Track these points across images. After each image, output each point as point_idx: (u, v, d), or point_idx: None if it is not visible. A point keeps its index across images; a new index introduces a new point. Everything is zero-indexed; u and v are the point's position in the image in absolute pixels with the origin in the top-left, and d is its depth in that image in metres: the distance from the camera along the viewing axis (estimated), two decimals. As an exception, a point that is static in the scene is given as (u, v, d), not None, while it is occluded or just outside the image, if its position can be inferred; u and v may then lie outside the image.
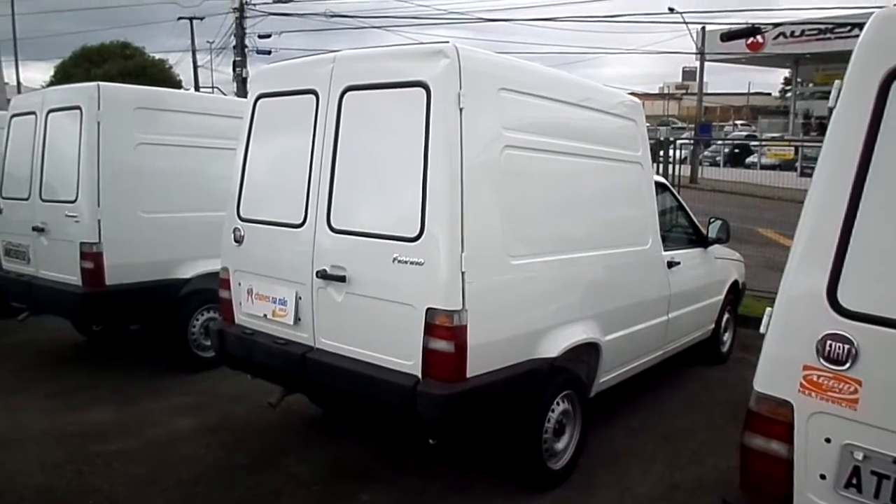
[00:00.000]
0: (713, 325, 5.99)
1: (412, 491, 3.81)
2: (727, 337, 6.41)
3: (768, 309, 2.24)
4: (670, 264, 4.87)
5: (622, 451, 4.37)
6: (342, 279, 3.45)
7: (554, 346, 3.67)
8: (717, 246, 5.81)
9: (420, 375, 3.20)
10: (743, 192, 19.27)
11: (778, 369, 2.16)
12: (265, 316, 3.87)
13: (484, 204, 3.28)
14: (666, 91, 63.98)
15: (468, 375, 3.19)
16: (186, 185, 5.62)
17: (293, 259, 3.69)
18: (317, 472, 4.00)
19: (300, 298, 3.68)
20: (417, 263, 3.17)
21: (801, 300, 2.10)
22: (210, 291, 5.50)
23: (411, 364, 3.23)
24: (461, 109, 3.13)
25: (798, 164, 22.96)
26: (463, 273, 3.12)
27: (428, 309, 3.15)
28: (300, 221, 3.66)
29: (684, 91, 56.43)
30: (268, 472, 3.98)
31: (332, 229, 3.52)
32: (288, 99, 3.84)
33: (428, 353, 3.17)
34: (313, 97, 3.64)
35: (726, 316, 6.25)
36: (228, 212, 4.11)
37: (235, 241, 4.03)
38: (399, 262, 3.22)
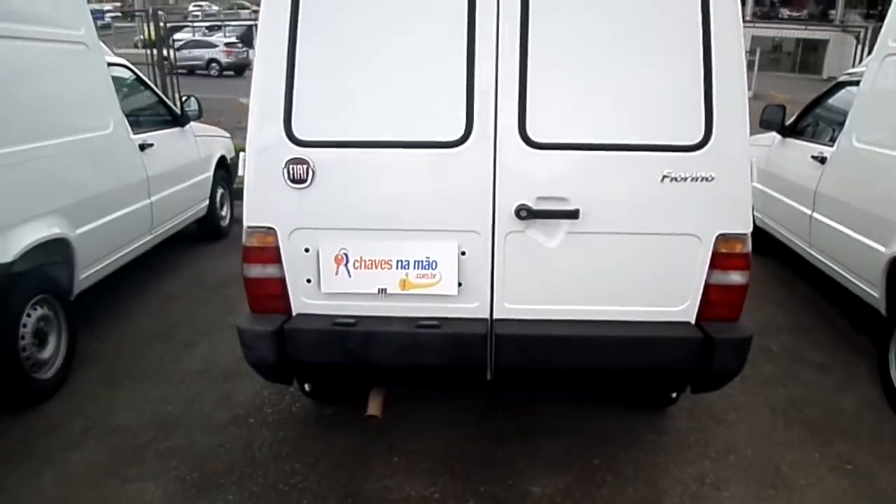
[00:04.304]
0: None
1: (570, 462, 3.01)
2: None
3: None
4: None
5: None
6: (572, 215, 2.39)
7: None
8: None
9: (693, 320, 2.53)
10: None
11: None
12: (383, 292, 2.50)
13: None
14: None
15: None
16: None
17: (449, 195, 2.43)
18: (433, 482, 2.88)
19: (464, 254, 2.46)
20: (704, 179, 2.38)
21: None
22: (43, 273, 3.43)
23: (680, 309, 2.53)
24: None
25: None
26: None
27: (719, 236, 2.43)
28: (459, 136, 2.38)
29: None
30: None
31: (529, 143, 2.38)
32: None
33: (711, 291, 2.50)
34: None
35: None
36: (261, 135, 2.44)
37: (293, 181, 2.42)
38: (672, 180, 2.38)
